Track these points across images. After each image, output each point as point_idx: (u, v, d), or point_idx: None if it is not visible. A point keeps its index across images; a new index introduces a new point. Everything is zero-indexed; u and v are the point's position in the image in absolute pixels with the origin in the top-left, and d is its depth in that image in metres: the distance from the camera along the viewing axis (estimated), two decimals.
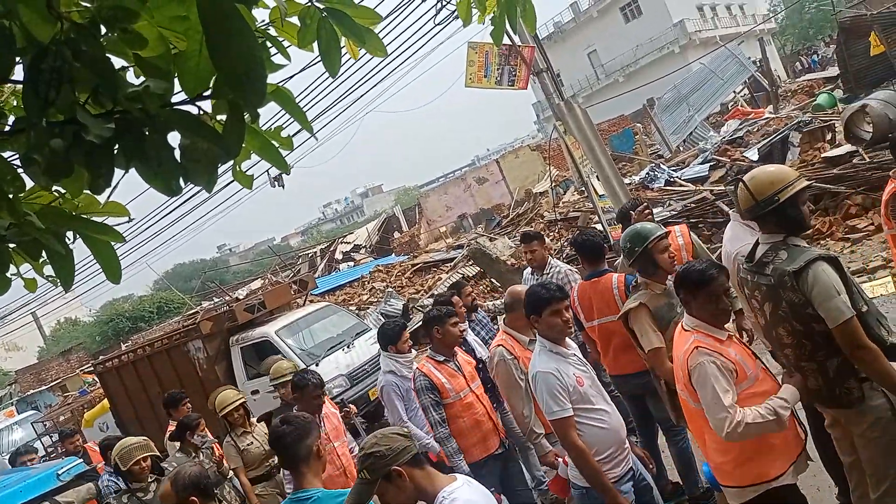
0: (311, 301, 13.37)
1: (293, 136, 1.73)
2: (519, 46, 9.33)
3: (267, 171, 14.85)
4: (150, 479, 4.48)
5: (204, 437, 5.67)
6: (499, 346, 4.10)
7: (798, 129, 12.22)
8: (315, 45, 1.58)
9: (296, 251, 43.32)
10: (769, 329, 2.95)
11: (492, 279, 13.60)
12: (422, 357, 4.57)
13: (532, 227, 16.52)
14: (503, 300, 4.74)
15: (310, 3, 1.65)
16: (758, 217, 2.91)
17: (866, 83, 18.41)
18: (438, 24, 10.38)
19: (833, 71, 23.74)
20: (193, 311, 16.89)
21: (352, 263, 29.37)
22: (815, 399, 2.89)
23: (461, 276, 13.90)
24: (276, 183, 16.34)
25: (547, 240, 14.04)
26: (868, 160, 9.48)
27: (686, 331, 2.85)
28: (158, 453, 4.96)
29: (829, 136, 11.64)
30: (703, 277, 2.82)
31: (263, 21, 1.68)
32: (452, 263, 17.74)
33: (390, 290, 15.52)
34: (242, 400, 5.67)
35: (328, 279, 23.36)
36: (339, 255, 31.72)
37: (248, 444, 5.40)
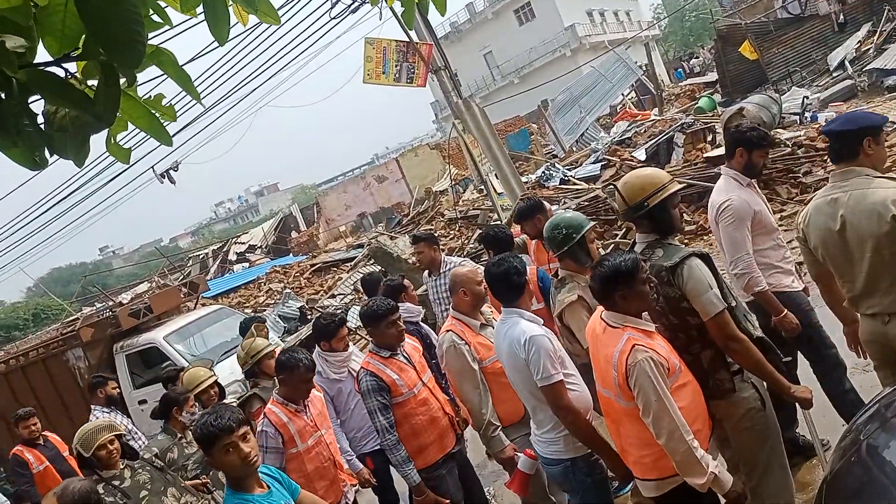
0: (203, 304, 12.79)
1: (178, 131, 1.57)
2: (417, 44, 9.29)
3: (153, 166, 14.05)
4: (122, 465, 3.80)
5: (194, 413, 4.85)
6: (448, 331, 3.74)
7: (682, 131, 12.88)
8: (200, 11, 1.43)
9: (186, 252, 41.39)
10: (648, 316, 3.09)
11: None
12: (364, 353, 4.14)
13: (432, 225, 16.57)
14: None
15: None
16: (632, 220, 3.08)
17: (742, 87, 19.79)
18: (334, 18, 10.18)
19: (712, 76, 25.36)
20: (73, 317, 15.76)
21: (247, 264, 28.39)
22: None
23: (371, 272, 13.70)
24: (164, 178, 15.51)
25: (442, 240, 14.17)
26: None
27: (614, 327, 2.70)
28: (124, 431, 4.37)
29: (710, 137, 12.34)
30: (634, 267, 2.67)
31: None
32: (353, 263, 17.49)
33: (288, 291, 15.08)
34: (215, 378, 5.17)
35: (221, 281, 22.47)
36: (232, 256, 30.57)
37: None
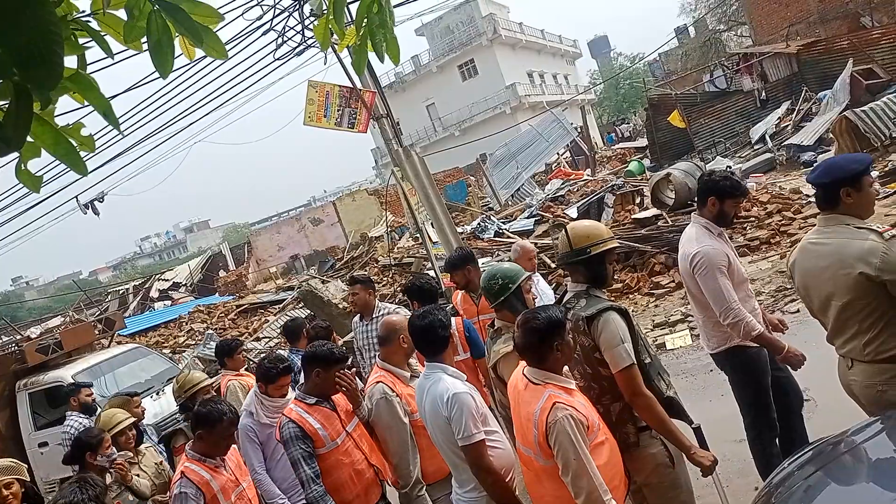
0: (118, 342, 12.17)
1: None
2: (361, 90, 9.33)
3: (76, 196, 13.46)
4: None
5: (111, 456, 4.45)
6: (378, 382, 3.60)
7: (612, 192, 13.33)
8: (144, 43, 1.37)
9: (105, 287, 39.58)
10: (569, 371, 3.13)
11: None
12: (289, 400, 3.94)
13: (366, 270, 16.44)
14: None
15: None
16: (569, 264, 3.15)
17: (670, 154, 20.74)
18: (278, 59, 10.15)
19: (643, 142, 26.50)
20: None
21: (169, 302, 27.36)
22: None
23: (294, 317, 13.37)
24: (87, 209, 14.86)
25: (377, 286, 14.04)
26: (671, 223, 10.51)
27: (535, 384, 2.68)
28: (27, 478, 3.91)
29: (638, 200, 12.82)
30: (559, 322, 2.68)
31: (84, 12, 1.45)
32: (281, 306, 17.10)
33: (210, 332, 14.56)
34: (133, 420, 4.81)
35: (140, 319, 21.56)
36: (154, 293, 29.44)
37: (133, 476, 4.44)
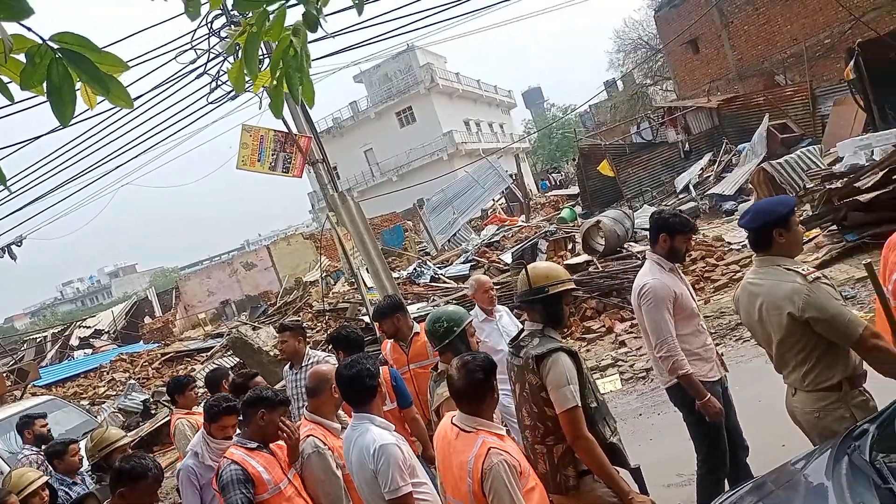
0: (32, 394, 11.47)
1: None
2: (296, 135, 9.30)
3: None
4: None
5: None
6: (309, 436, 3.46)
7: (545, 238, 13.59)
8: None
9: (21, 335, 37.43)
10: (518, 408, 3.18)
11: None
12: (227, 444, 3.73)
13: (300, 316, 16.12)
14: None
15: (42, 42, 1.42)
16: (526, 303, 3.19)
17: (600, 202, 21.39)
18: (212, 103, 10.04)
19: (574, 189, 27.26)
20: None
21: (90, 350, 26.05)
22: (544, 485, 2.93)
23: (217, 366, 12.92)
24: (3, 253, 14.12)
25: (308, 332, 13.78)
26: (601, 269, 10.75)
27: (467, 431, 2.66)
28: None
29: (570, 246, 13.09)
30: (491, 369, 2.70)
31: None
32: (209, 354, 16.53)
33: (132, 382, 13.88)
34: (45, 480, 4.43)
35: (58, 368, 20.38)
36: (75, 341, 27.98)
37: None
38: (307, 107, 9.10)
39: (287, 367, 5.49)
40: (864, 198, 8.47)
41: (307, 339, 5.60)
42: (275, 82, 1.78)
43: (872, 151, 10.59)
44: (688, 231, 3.85)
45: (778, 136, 16.69)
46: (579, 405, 2.87)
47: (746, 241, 3.54)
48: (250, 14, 1.62)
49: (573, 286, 3.25)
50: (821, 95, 17.90)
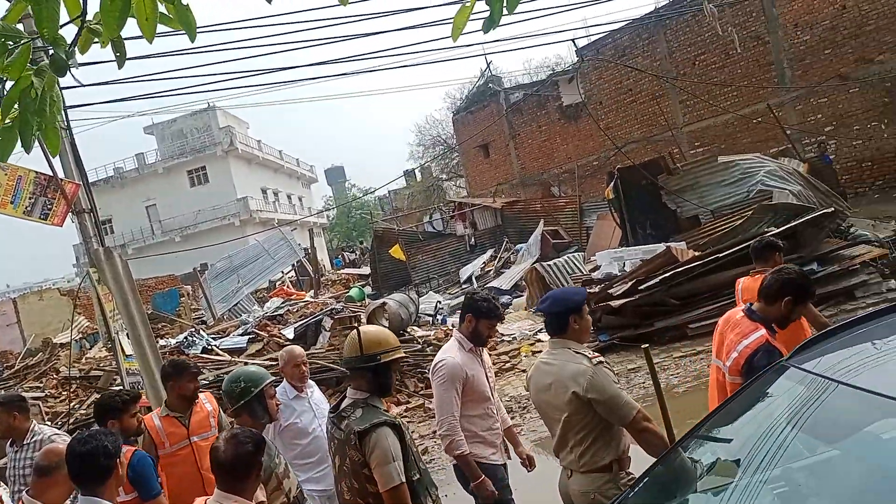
0: None
1: None
2: (62, 181, 8.38)
3: None
4: None
5: None
6: None
7: (331, 316, 13.41)
8: None
9: None
10: (337, 482, 3.09)
11: None
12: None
13: (42, 382, 14.12)
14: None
15: None
16: (354, 369, 3.09)
17: (390, 284, 21.84)
18: None
19: (367, 269, 27.60)
20: None
21: None
22: None
23: None
24: None
25: (50, 401, 12.10)
26: None
27: None
28: None
29: (355, 325, 13.04)
30: (261, 445, 2.70)
31: None
32: None
33: None
34: None
35: None
36: None
37: None
38: (77, 149, 8.30)
39: (8, 444, 4.70)
40: (615, 303, 9.54)
41: (31, 412, 4.83)
42: (7, 122, 1.57)
43: (624, 263, 12.04)
44: (493, 318, 3.95)
45: (550, 240, 18.45)
46: (404, 482, 2.82)
47: (542, 327, 3.80)
48: None
49: (402, 354, 3.21)
50: (587, 209, 20.25)
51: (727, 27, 17.60)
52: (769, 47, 18.82)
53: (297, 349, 4.73)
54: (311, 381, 4.78)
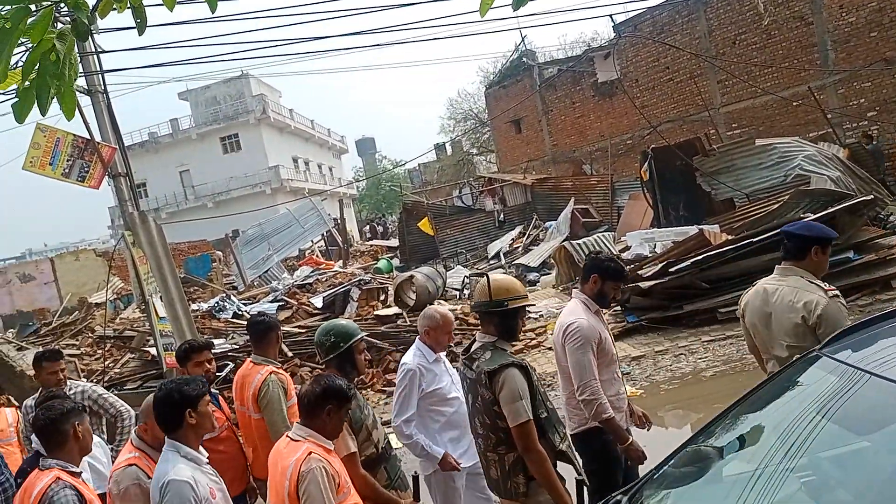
0: None
1: None
2: (99, 144, 8.53)
3: None
4: None
5: None
6: (131, 464, 3.05)
7: (359, 286, 13.54)
8: None
9: None
10: (471, 418, 3.27)
11: None
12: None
13: (79, 340, 14.54)
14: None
15: None
16: (483, 314, 3.23)
17: (418, 257, 21.92)
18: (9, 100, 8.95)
19: (395, 242, 27.71)
20: None
21: None
22: (493, 489, 3.22)
23: None
24: None
25: (85, 359, 12.45)
26: (409, 323, 10.89)
27: (295, 441, 2.80)
28: None
29: (382, 297, 13.16)
30: (338, 393, 2.86)
31: None
32: None
33: None
34: None
35: None
36: None
37: None
38: (113, 114, 8.43)
39: (28, 401, 4.90)
40: (644, 285, 9.45)
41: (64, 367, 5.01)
42: (27, 83, 1.60)
43: (655, 245, 11.90)
44: (620, 279, 3.84)
45: (580, 218, 18.28)
46: (531, 419, 2.93)
47: (782, 251, 3.51)
48: (8, 8, 1.45)
49: (529, 303, 3.32)
50: (619, 188, 19.99)
51: (767, 6, 17.10)
52: (812, 28, 18.24)
53: (451, 314, 4.22)
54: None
